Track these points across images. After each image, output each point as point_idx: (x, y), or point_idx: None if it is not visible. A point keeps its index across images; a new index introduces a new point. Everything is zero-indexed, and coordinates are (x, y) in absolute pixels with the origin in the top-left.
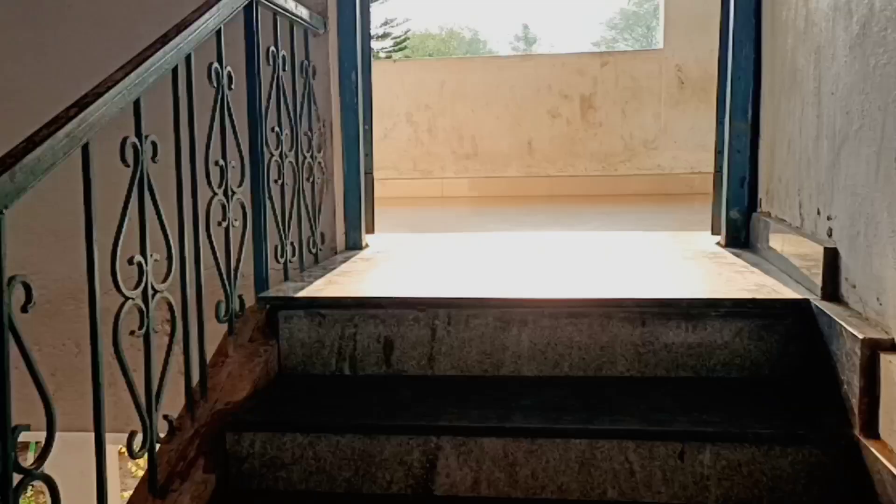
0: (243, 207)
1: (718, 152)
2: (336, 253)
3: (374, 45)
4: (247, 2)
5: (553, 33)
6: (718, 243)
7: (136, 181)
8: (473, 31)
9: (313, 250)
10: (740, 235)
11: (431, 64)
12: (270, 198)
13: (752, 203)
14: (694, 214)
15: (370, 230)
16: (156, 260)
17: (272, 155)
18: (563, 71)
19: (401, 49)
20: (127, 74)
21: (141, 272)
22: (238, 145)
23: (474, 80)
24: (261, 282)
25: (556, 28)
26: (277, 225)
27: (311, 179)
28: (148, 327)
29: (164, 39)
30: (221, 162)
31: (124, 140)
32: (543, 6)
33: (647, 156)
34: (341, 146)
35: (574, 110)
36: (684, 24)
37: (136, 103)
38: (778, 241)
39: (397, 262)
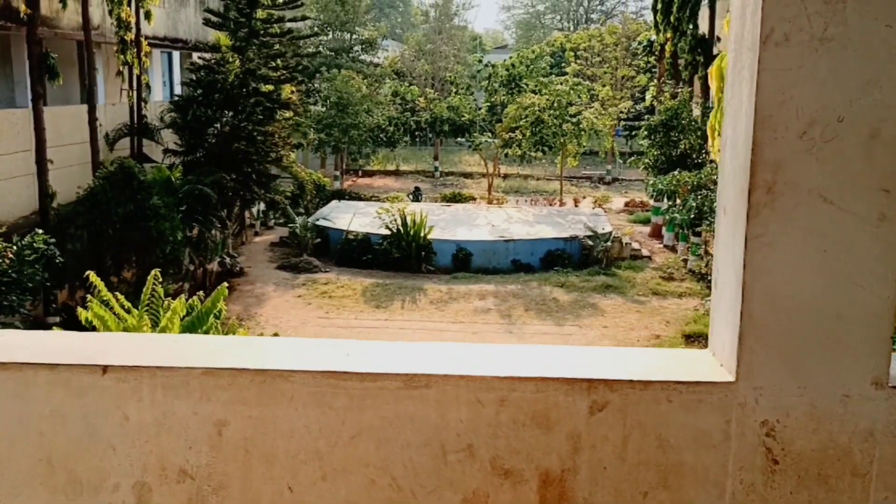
0: None
1: None
2: None
3: None
4: None
5: None
6: None
7: None
8: None
9: None
10: None
11: (195, 381)
12: None
13: None
14: None
15: None
16: None
17: None
18: (501, 416)
19: None
20: None
21: None
22: None
23: (294, 422)
24: None
25: None
26: None
27: None
28: None
29: None
30: None
31: None
32: None
33: None
34: None
35: (526, 503)
36: (778, 339)
37: None
38: None
39: None
